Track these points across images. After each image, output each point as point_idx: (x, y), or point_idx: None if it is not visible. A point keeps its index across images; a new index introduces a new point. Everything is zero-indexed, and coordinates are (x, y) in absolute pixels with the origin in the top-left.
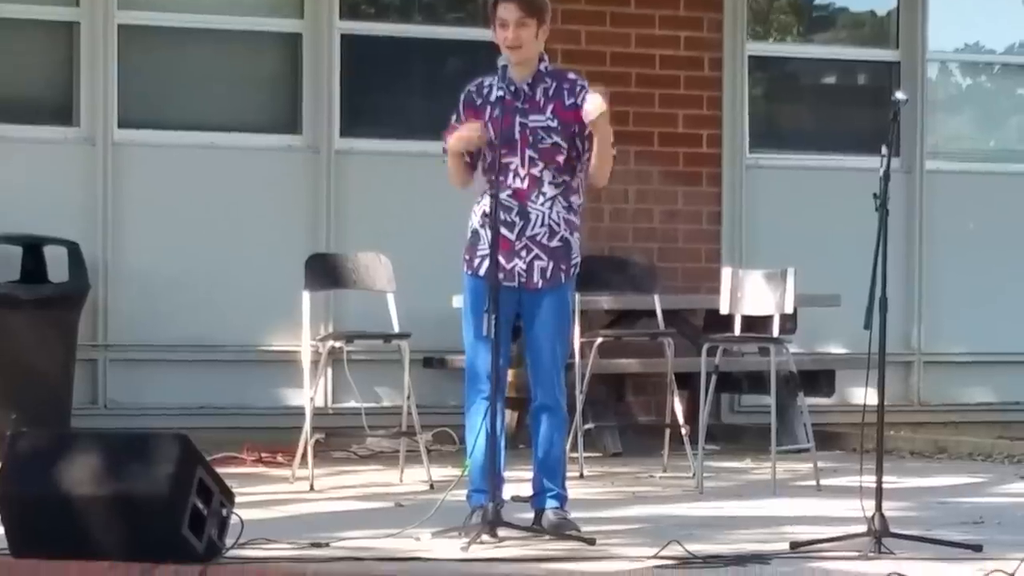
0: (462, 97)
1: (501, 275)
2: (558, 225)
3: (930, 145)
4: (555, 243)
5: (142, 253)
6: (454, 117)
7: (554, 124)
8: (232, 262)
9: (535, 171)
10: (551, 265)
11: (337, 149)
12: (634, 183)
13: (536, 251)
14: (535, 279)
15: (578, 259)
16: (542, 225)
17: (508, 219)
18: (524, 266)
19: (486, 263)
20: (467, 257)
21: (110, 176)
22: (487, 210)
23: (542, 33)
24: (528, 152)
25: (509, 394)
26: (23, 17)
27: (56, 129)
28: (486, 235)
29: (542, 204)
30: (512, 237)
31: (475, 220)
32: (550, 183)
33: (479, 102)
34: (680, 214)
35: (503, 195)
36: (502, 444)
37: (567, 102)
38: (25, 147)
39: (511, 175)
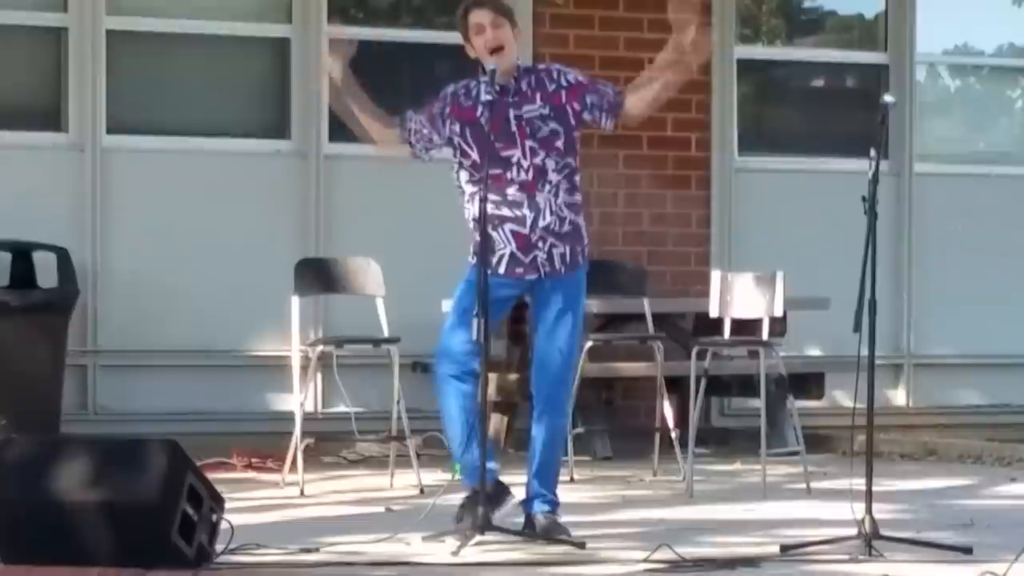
0: (448, 94)
1: (520, 269)
2: (563, 211)
3: (919, 148)
4: (566, 228)
5: (131, 259)
6: (436, 108)
7: (547, 111)
8: (221, 267)
9: (537, 160)
10: (567, 249)
11: (326, 154)
12: (623, 187)
13: (551, 239)
14: (557, 265)
15: (587, 240)
16: (552, 214)
17: (518, 214)
18: (544, 256)
19: (504, 262)
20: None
21: (99, 182)
22: (490, 211)
23: (517, 34)
24: (529, 143)
25: (498, 398)
26: (10, 23)
27: (44, 135)
28: (499, 236)
29: (549, 192)
30: (525, 231)
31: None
32: (554, 170)
33: (467, 103)
34: (669, 217)
35: (510, 191)
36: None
37: (551, 88)
38: (13, 153)
39: (514, 169)
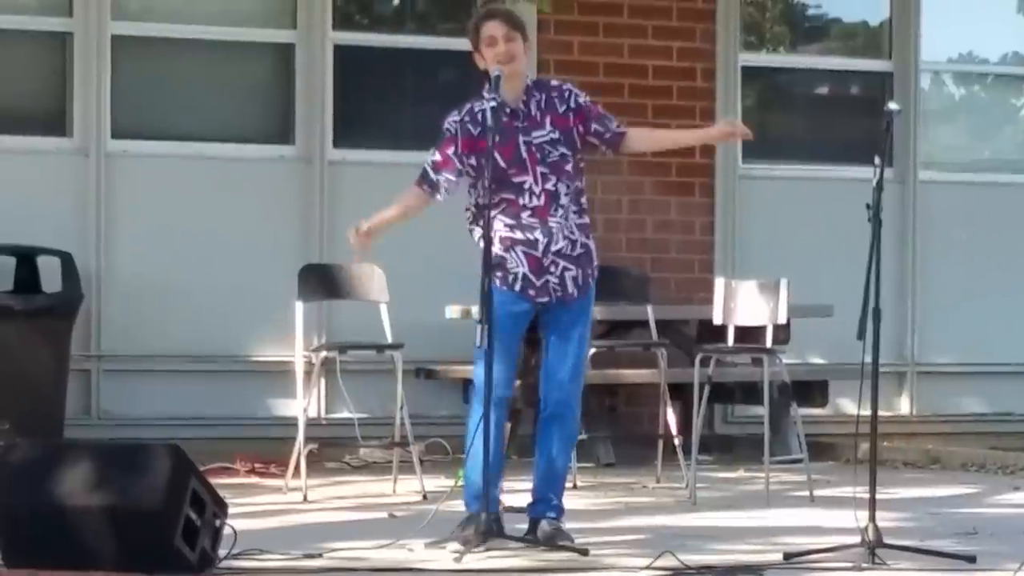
0: (455, 126)
1: (532, 292)
2: (574, 233)
3: (923, 155)
4: (578, 251)
5: (135, 263)
6: (450, 149)
7: (557, 135)
8: (225, 272)
9: (549, 186)
10: (580, 272)
11: (330, 160)
12: (627, 193)
13: (564, 263)
14: (570, 289)
15: (596, 262)
16: (564, 238)
17: (531, 238)
18: (556, 280)
19: (519, 281)
20: (498, 274)
21: (103, 187)
22: (503, 234)
23: (527, 48)
24: (540, 169)
25: None
26: (16, 28)
27: (49, 140)
28: (513, 256)
29: (561, 216)
30: (538, 254)
31: (497, 247)
32: (565, 194)
33: (476, 131)
34: (673, 224)
35: (523, 216)
36: (500, 452)
37: (561, 109)
38: (18, 158)
39: (527, 195)
